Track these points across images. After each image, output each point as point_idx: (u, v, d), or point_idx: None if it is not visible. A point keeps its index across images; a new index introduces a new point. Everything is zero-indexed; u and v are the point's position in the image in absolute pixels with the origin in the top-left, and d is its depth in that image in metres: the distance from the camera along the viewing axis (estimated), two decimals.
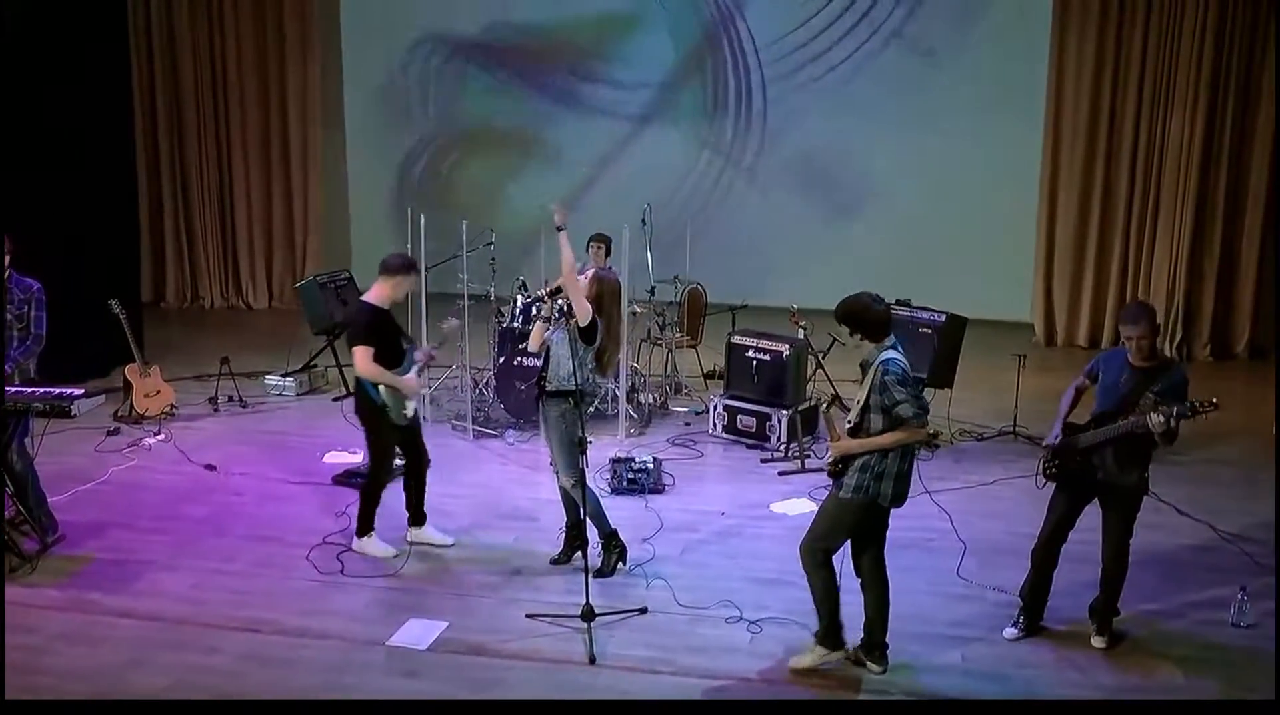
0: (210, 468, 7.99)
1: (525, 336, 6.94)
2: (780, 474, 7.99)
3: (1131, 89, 11.31)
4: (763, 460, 8.25)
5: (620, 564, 6.38)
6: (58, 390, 6.36)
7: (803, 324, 8.65)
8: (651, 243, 9.77)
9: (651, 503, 7.37)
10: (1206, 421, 5.40)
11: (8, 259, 6.47)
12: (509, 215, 12.20)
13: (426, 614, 5.90)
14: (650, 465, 7.71)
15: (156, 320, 12.03)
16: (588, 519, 6.16)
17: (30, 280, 6.61)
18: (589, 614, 5.63)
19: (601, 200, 12.66)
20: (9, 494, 6.40)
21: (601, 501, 6.45)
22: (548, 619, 5.81)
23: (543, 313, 6.20)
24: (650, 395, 9.41)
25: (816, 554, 5.31)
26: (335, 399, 9.61)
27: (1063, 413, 5.68)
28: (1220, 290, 11.44)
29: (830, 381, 8.75)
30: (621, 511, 6.92)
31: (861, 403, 5.15)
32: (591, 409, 8.65)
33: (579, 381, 6.01)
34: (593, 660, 5.46)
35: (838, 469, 5.23)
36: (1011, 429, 8.78)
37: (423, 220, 8.74)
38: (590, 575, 5.86)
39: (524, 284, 9.30)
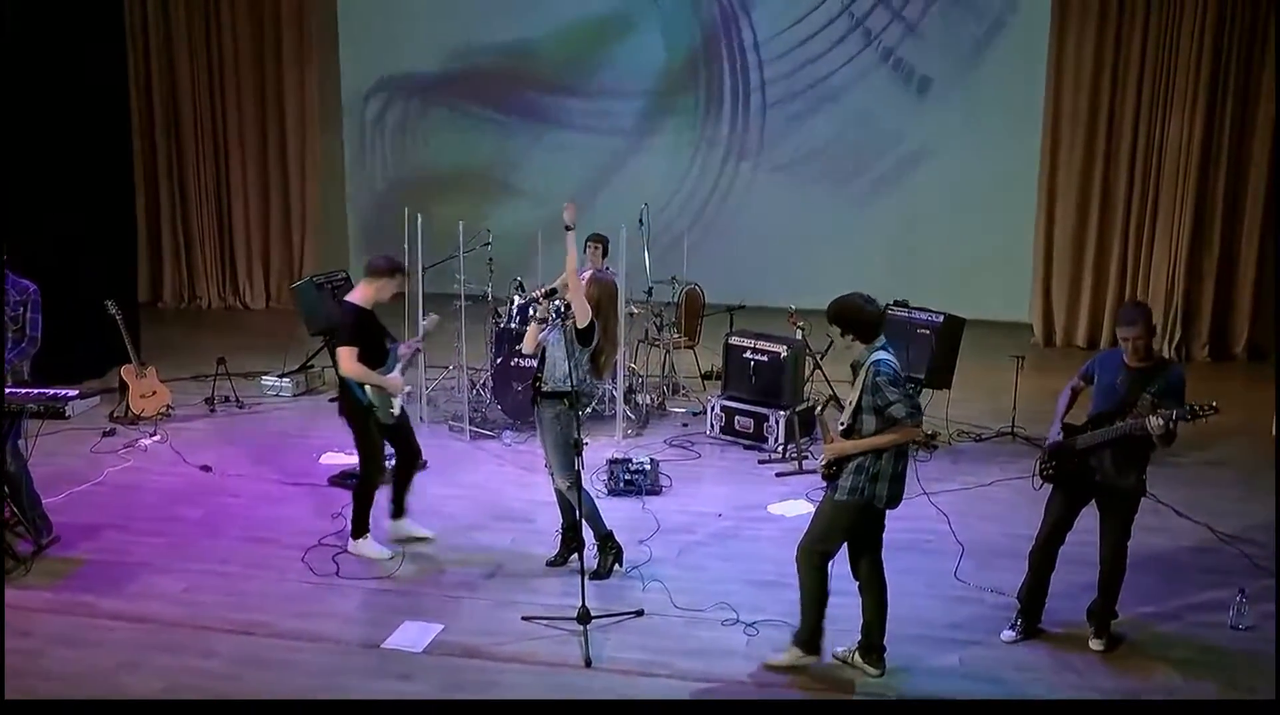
0: (206, 469, 7.97)
1: (522, 337, 6.91)
2: (778, 475, 7.97)
3: (1131, 89, 11.29)
4: (760, 461, 8.23)
5: (616, 566, 6.36)
6: (52, 391, 6.34)
7: (801, 324, 8.63)
8: (649, 243, 9.75)
9: (648, 504, 7.35)
10: (1206, 424, 5.38)
11: (5, 259, 6.45)
12: (507, 218, 12.17)
13: (422, 616, 5.88)
14: (647, 466, 7.69)
15: (153, 321, 12.00)
16: (583, 521, 6.14)
17: (26, 281, 6.59)
18: (585, 616, 5.61)
19: (599, 200, 12.63)
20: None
21: (598, 503, 6.43)
22: (544, 621, 5.79)
23: (537, 313, 6.18)
24: (648, 396, 9.39)
25: (814, 557, 5.29)
26: (332, 400, 9.46)
27: (1059, 414, 5.66)
28: (1219, 291, 11.42)
29: (828, 382, 8.73)
30: (618, 513, 6.91)
31: (853, 404, 5.13)
32: (589, 410, 8.62)
33: (574, 383, 5.99)
34: (589, 663, 5.44)
35: (831, 471, 5.21)
36: (1010, 430, 8.76)
37: (420, 221, 8.72)
38: (586, 577, 5.84)
39: (521, 285, 9.28)
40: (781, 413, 8.32)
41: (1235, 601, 5.85)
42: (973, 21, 12.33)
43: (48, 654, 5.52)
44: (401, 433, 6.61)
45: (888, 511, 5.27)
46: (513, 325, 8.88)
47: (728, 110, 13.21)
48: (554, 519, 6.56)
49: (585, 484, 6.14)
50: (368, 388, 6.31)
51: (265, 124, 13.33)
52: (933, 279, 11.19)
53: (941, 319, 8.61)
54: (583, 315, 5.99)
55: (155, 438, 8.56)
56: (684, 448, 8.53)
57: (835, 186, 13.00)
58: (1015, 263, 12.16)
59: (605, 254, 9.07)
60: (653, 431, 8.90)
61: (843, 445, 5.17)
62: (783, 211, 13.07)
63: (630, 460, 7.76)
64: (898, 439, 5.08)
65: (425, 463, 7.93)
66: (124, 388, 9.01)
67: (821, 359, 8.87)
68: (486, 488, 7.72)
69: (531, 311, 6.23)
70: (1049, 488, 5.67)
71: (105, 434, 8.60)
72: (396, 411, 6.48)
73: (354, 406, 6.37)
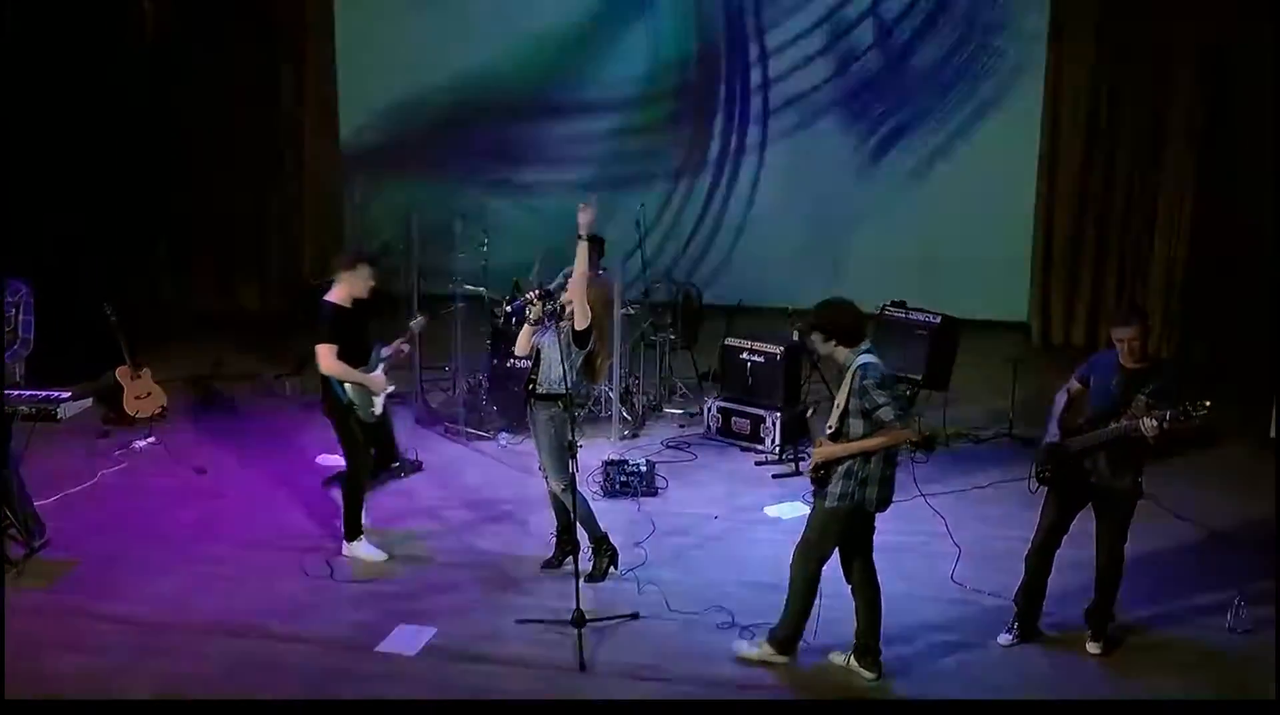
0: (200, 471, 7.94)
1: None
2: (774, 477, 7.94)
3: (1130, 88, 11.26)
4: (757, 463, 8.21)
5: (612, 568, 6.34)
6: (44, 393, 6.31)
7: (799, 326, 8.59)
8: (645, 244, 9.72)
9: (644, 506, 7.32)
10: (1202, 422, 5.34)
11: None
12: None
13: (416, 619, 5.86)
14: (643, 468, 7.65)
15: (149, 322, 11.95)
16: (578, 523, 6.11)
17: (18, 282, 6.57)
18: (580, 619, 5.58)
19: (595, 200, 12.55)
20: None
21: (593, 505, 6.41)
22: (538, 624, 5.77)
23: (530, 315, 6.14)
24: (644, 397, 9.36)
25: (810, 564, 5.29)
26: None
27: (1055, 416, 5.64)
28: (1218, 291, 11.38)
29: (826, 384, 8.69)
30: (614, 515, 6.89)
31: (840, 408, 5.12)
32: (585, 412, 8.60)
33: (569, 385, 5.96)
34: (583, 667, 5.41)
35: (820, 475, 5.20)
36: (1007, 431, 8.72)
37: (416, 221, 8.70)
38: (581, 580, 5.81)
39: (517, 285, 9.24)
40: (778, 414, 8.30)
41: (1234, 604, 5.83)
42: (973, 23, 12.30)
43: (39, 657, 5.50)
44: (382, 433, 6.60)
45: (878, 514, 5.26)
46: (511, 326, 8.82)
47: (725, 109, 13.16)
48: (548, 521, 6.54)
49: (580, 486, 6.12)
50: (348, 386, 6.31)
51: (263, 124, 13.29)
52: (930, 279, 11.15)
53: (939, 320, 8.59)
54: (583, 317, 5.97)
55: (150, 440, 8.52)
56: (680, 449, 8.51)
57: (833, 187, 12.96)
58: (1013, 263, 12.13)
59: (601, 255, 9.02)
60: (649, 433, 8.86)
61: (831, 449, 5.15)
62: (780, 212, 13.03)
63: (626, 462, 7.73)
64: (887, 442, 5.07)
65: (421, 465, 7.96)
66: (119, 389, 8.98)
67: (819, 360, 8.83)
68: (481, 490, 7.69)
69: (526, 313, 6.21)
70: (1045, 490, 5.65)
71: (100, 436, 8.57)
72: (378, 410, 6.48)
73: (334, 404, 6.38)
